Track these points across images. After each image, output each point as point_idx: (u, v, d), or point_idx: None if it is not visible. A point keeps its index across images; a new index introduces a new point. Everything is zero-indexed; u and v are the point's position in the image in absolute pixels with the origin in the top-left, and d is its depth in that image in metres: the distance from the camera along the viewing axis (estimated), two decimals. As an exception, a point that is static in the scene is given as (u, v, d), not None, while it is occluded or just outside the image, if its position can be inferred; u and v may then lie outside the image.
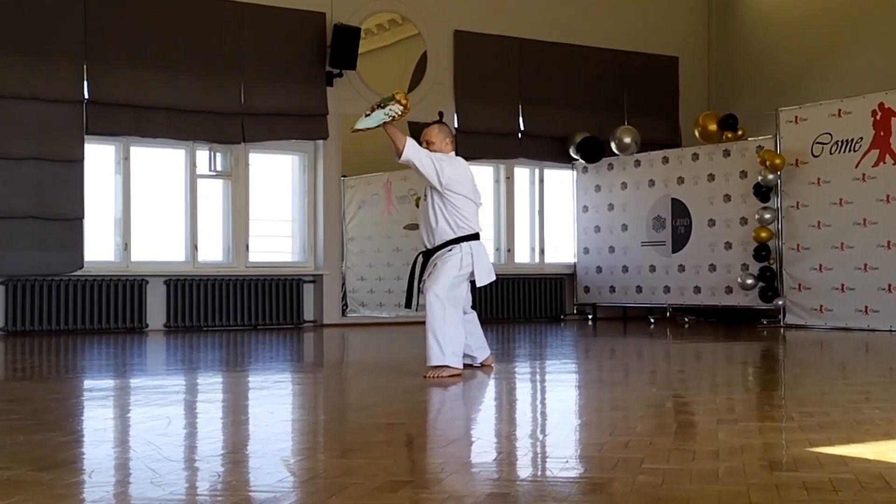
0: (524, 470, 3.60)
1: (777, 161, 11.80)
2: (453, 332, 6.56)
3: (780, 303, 12.03)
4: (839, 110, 11.50)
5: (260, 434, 4.42)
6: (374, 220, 14.75)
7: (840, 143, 11.47)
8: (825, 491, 3.07)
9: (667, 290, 13.45)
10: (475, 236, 6.79)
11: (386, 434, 4.43)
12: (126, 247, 12.06)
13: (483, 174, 14.58)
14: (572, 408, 5.53)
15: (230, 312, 12.35)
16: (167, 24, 12.02)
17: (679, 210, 13.29)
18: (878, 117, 11.12)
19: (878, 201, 11.10)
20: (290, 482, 3.34)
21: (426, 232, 6.80)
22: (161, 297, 12.04)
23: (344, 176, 13.29)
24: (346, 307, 13.36)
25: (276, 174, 13.23)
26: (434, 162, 6.60)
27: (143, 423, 4.74)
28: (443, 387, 6.08)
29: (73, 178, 11.43)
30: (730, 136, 13.03)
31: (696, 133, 13.51)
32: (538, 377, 7.18)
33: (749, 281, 12.23)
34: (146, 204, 12.24)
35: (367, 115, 6.51)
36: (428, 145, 6.76)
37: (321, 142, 12.98)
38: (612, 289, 14.18)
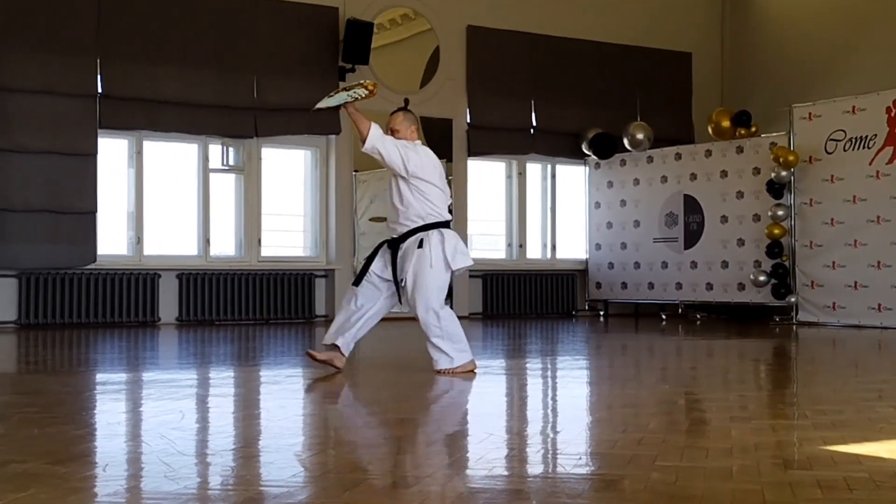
0: (537, 466, 3.60)
1: (790, 158, 11.76)
2: (453, 331, 6.37)
3: (793, 300, 11.99)
4: (853, 107, 11.45)
5: (272, 429, 4.43)
6: (386, 214, 14.73)
7: (854, 140, 11.42)
8: (840, 489, 3.06)
9: (679, 286, 13.42)
10: (445, 224, 6.49)
11: (398, 430, 4.43)
12: (139, 241, 12.09)
13: (495, 170, 14.58)
14: (584, 404, 5.52)
15: (242, 307, 12.38)
16: (180, 18, 12.04)
17: (691, 206, 13.26)
18: (892, 114, 11.07)
19: (891, 198, 11.05)
20: (303, 477, 3.35)
21: (392, 220, 6.51)
22: (173, 291, 12.07)
23: (356, 171, 13.29)
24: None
25: (289, 169, 13.24)
26: (399, 149, 6.32)
27: (156, 416, 4.75)
28: (454, 383, 6.07)
29: (87, 171, 11.47)
30: (743, 132, 12.99)
31: (710, 129, 13.46)
32: (549, 373, 7.17)
33: (762, 278, 12.19)
34: (159, 198, 12.27)
35: (330, 96, 6.40)
36: (393, 133, 6.47)
37: (333, 136, 12.99)
38: (624, 285, 14.16)
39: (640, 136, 13.65)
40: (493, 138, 13.95)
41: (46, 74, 11.25)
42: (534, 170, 14.82)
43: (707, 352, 9.02)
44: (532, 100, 14.22)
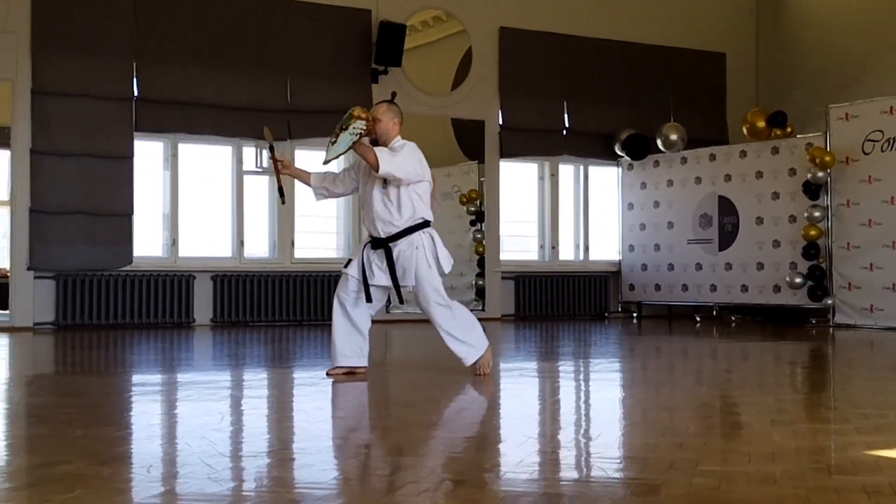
0: (577, 470, 3.59)
1: (827, 158, 11.66)
2: (466, 321, 6.39)
3: (830, 302, 11.89)
4: (891, 107, 11.34)
5: (311, 430, 4.45)
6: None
7: (892, 141, 11.30)
8: (886, 495, 3.03)
9: (713, 288, 13.35)
10: (428, 224, 6.36)
11: (435, 432, 4.43)
12: (174, 242, 12.18)
13: (528, 171, 14.57)
14: (620, 408, 5.50)
15: (276, 308, 12.44)
16: (215, 22, 12.14)
17: (726, 208, 13.18)
18: (931, 114, 10.95)
19: (930, 200, 10.94)
20: (344, 480, 3.36)
21: (381, 221, 6.29)
22: (208, 292, 12.15)
23: (389, 173, 13.28)
24: (390, 303, 13.37)
25: (322, 170, 13.25)
26: (413, 161, 6.23)
27: (195, 418, 4.78)
28: (487, 385, 6.07)
29: (123, 174, 11.58)
30: (778, 133, 12.89)
31: (744, 130, 13.37)
32: (583, 376, 7.15)
33: (798, 280, 12.09)
34: (194, 200, 12.37)
35: (333, 143, 6.21)
36: (375, 122, 6.29)
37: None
38: (658, 287, 14.09)
39: (673, 136, 13.58)
40: (526, 140, 13.94)
41: (83, 78, 11.37)
42: (566, 171, 14.79)
43: (742, 354, 8.95)
44: (565, 101, 14.19)
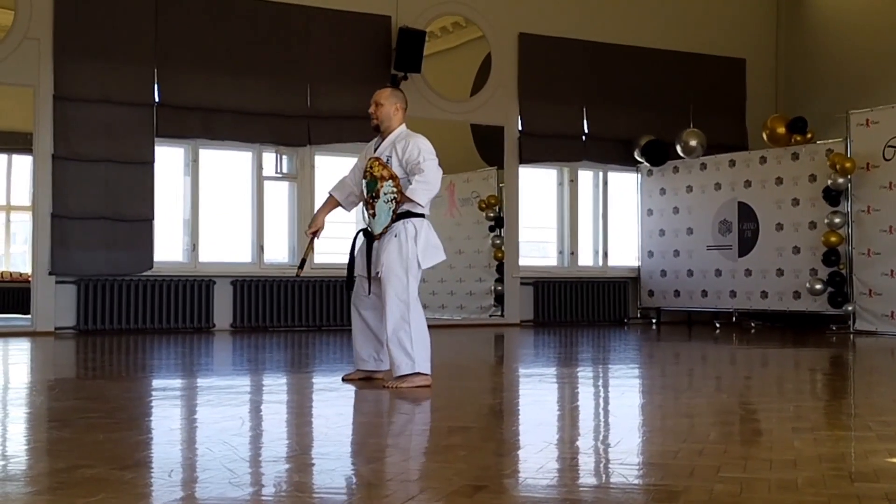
0: (598, 476, 3.58)
1: (847, 165, 11.61)
2: (420, 332, 6.06)
3: (850, 308, 11.83)
4: (912, 113, 11.28)
5: (332, 436, 4.46)
6: (437, 222, 14.66)
7: (913, 147, 11.25)
8: (908, 503, 3.02)
9: (733, 294, 13.30)
10: (420, 215, 6.14)
11: (457, 437, 4.44)
12: (194, 247, 12.24)
13: (547, 177, 14.57)
14: (640, 414, 5.49)
15: (295, 313, 12.48)
16: (235, 28, 12.20)
17: (746, 214, 13.14)
18: (953, 120, 10.89)
19: (952, 206, 10.87)
20: (364, 485, 3.36)
21: (375, 219, 6.14)
22: (228, 297, 12.20)
23: (407, 178, 13.32)
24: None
25: (341, 176, 13.28)
26: (437, 172, 6.08)
27: (216, 423, 4.80)
28: (506, 391, 6.06)
29: (144, 179, 11.65)
30: (799, 139, 12.85)
31: (764, 136, 13.34)
32: (602, 382, 7.13)
33: (818, 286, 12.04)
34: (214, 205, 12.43)
35: (373, 216, 6.07)
36: (376, 107, 6.16)
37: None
38: (677, 293, 14.06)
39: (693, 142, 13.56)
40: (545, 145, 13.94)
41: (104, 84, 11.46)
42: (586, 177, 14.78)
43: (762, 361, 8.91)
44: (584, 107, 14.19)
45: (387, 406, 5.77)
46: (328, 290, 12.65)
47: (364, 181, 6.17)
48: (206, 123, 11.99)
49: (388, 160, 6.15)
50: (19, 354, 9.13)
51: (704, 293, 13.69)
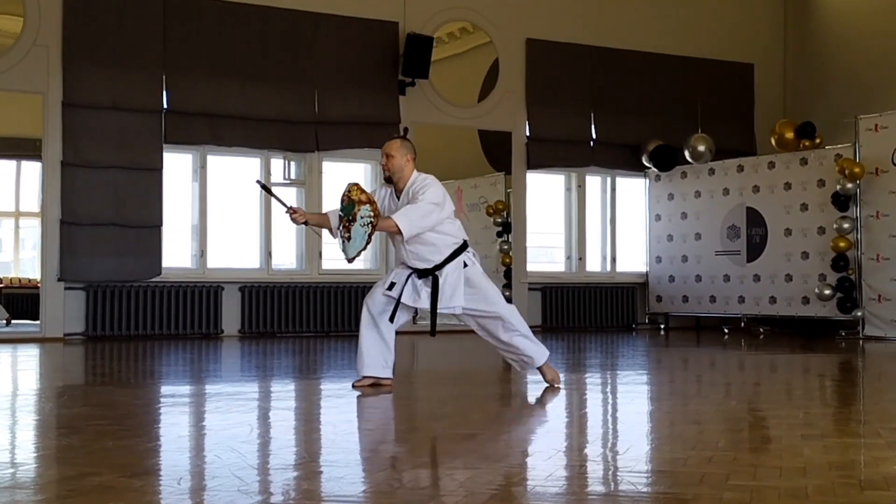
0: (607, 484, 3.58)
1: (856, 170, 11.59)
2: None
3: (859, 314, 11.80)
4: (921, 118, 11.26)
5: (340, 443, 4.46)
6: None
7: (922, 152, 11.22)
8: (919, 512, 3.00)
9: (741, 300, 13.27)
10: (466, 244, 6.34)
11: (465, 445, 4.43)
12: (202, 254, 12.26)
13: (554, 182, 14.56)
14: (649, 421, 5.48)
15: (303, 319, 12.48)
16: (243, 35, 12.23)
17: (754, 219, 13.11)
18: (962, 125, 10.86)
19: (962, 211, 10.83)
20: (372, 492, 3.36)
21: (418, 260, 6.24)
22: (236, 303, 12.21)
23: (415, 184, 13.32)
24: (417, 314, 13.40)
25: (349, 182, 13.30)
26: (431, 212, 6.12)
27: (225, 429, 4.80)
28: (515, 397, 6.06)
29: (153, 186, 11.68)
30: (807, 144, 12.83)
31: (773, 141, 13.32)
32: (611, 388, 7.12)
33: (827, 291, 12.01)
34: (222, 212, 12.44)
35: (346, 239, 6.05)
36: (388, 159, 6.24)
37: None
38: (685, 298, 14.03)
39: (701, 148, 13.54)
40: (553, 151, 13.94)
41: (113, 90, 11.49)
42: (593, 182, 14.77)
43: (771, 367, 8.89)
44: (592, 112, 14.19)
45: (395, 413, 5.77)
46: (336, 297, 12.66)
47: (340, 204, 6.15)
48: (214, 130, 12.02)
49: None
50: (28, 361, 9.15)
51: (713, 299, 13.67)
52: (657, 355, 10.14)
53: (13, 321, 13.62)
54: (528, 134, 13.85)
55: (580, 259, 14.53)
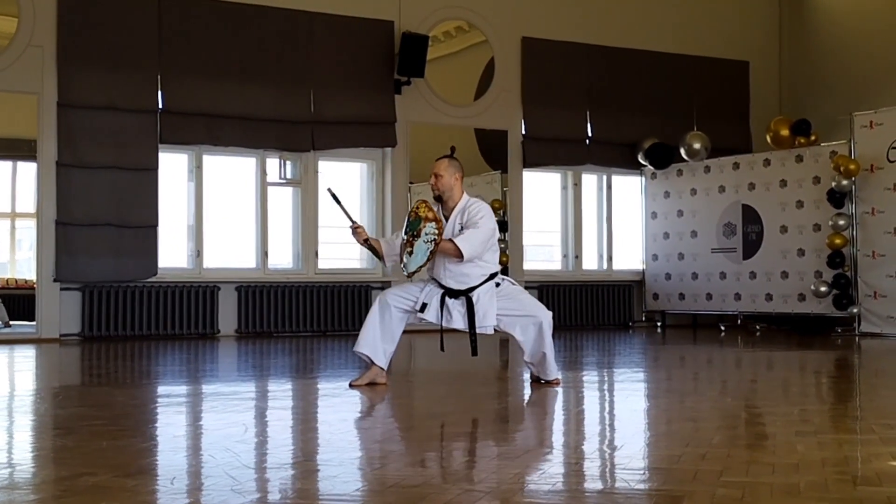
0: (601, 481, 3.58)
1: (851, 167, 11.60)
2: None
3: (855, 311, 11.81)
4: (916, 114, 11.27)
5: (336, 442, 4.46)
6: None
7: (917, 148, 11.23)
8: (911, 507, 3.01)
9: (737, 297, 13.29)
10: (494, 275, 6.46)
11: (460, 443, 4.44)
12: (198, 254, 12.26)
13: (551, 181, 14.57)
14: (644, 418, 5.49)
15: (300, 319, 12.48)
16: (238, 34, 12.22)
17: (750, 216, 13.12)
18: (957, 121, 10.87)
19: (957, 207, 10.85)
20: (368, 491, 3.37)
21: (453, 280, 6.34)
22: (232, 303, 12.21)
23: (412, 183, 13.35)
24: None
25: (345, 181, 13.33)
26: (489, 239, 6.31)
27: (220, 429, 4.81)
28: (511, 396, 6.06)
29: (148, 186, 11.67)
30: (802, 141, 12.84)
31: (768, 138, 13.33)
32: (607, 386, 7.13)
33: (823, 288, 12.02)
34: (218, 211, 12.45)
35: (410, 254, 6.14)
36: (437, 179, 6.36)
37: (389, 149, 13.07)
38: (682, 296, 14.05)
39: (697, 145, 13.55)
40: (549, 149, 13.94)
41: (109, 91, 11.48)
42: (589, 180, 14.78)
43: (767, 364, 8.90)
44: (587, 110, 14.19)
45: (391, 412, 5.77)
46: (333, 296, 12.66)
47: (407, 220, 6.28)
48: (209, 129, 12.01)
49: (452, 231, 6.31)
50: (24, 361, 9.15)
51: (709, 296, 13.68)
52: (654, 353, 10.15)
53: (10, 322, 13.60)
54: (524, 132, 13.86)
55: (577, 257, 14.54)
